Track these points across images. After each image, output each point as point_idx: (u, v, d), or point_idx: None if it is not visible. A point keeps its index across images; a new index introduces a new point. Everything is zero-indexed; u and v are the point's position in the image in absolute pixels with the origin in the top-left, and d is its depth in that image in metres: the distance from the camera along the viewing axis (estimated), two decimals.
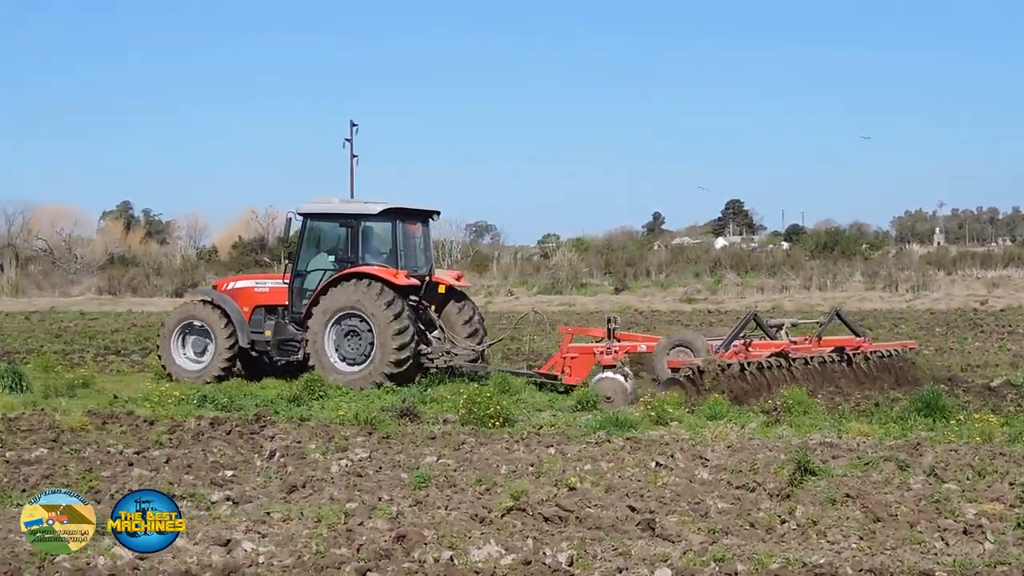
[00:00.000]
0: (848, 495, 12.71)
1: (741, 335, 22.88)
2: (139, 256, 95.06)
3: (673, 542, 10.98)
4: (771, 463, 14.63)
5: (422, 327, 24.81)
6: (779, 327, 24.66)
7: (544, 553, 10.49)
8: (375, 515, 11.92)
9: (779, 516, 11.95)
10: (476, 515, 11.93)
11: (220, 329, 25.16)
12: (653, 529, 11.36)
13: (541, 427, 18.15)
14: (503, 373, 24.20)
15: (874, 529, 11.44)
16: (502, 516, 11.91)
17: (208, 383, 23.90)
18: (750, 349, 22.59)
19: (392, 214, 24.84)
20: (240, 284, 26.29)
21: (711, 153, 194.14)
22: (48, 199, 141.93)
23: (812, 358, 23.25)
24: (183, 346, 25.77)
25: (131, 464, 14.80)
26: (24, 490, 13.24)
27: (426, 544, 10.72)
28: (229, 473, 14.20)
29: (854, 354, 24.22)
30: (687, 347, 22.99)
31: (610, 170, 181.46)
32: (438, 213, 26.73)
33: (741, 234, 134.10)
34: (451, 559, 10.29)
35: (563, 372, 23.22)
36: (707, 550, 10.64)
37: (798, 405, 18.92)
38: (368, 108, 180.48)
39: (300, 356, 24.57)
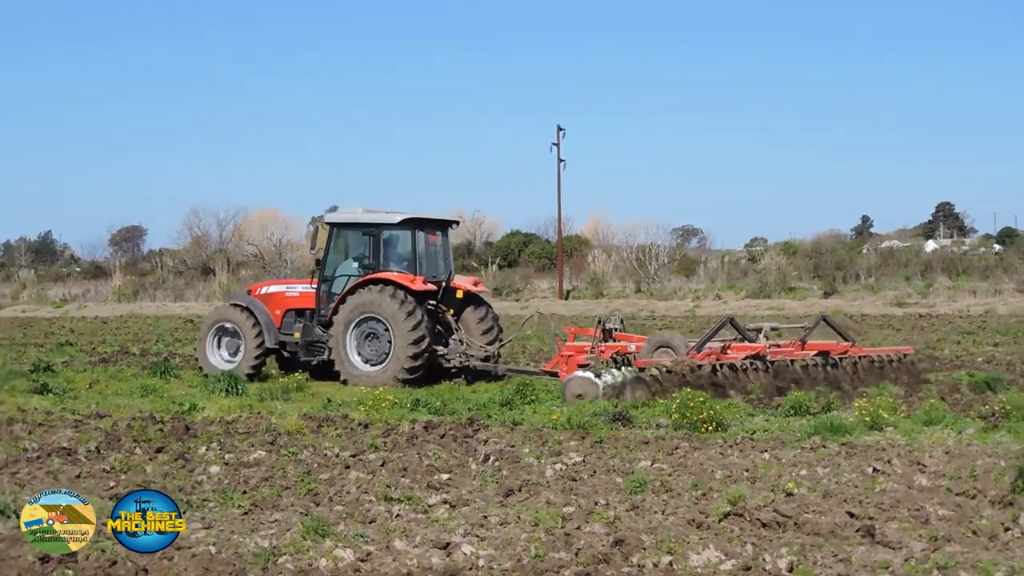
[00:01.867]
0: None
1: (741, 338, 23.77)
2: None
3: (894, 549, 10.80)
4: (991, 469, 14.28)
5: (441, 330, 26.56)
6: (758, 331, 24.88)
7: (763, 559, 10.39)
8: (592, 519, 11.92)
9: (1002, 523, 11.67)
10: (693, 520, 11.87)
11: (249, 331, 26.85)
12: (873, 536, 11.19)
13: (754, 432, 17.98)
14: (514, 374, 25.72)
15: None
16: (719, 521, 11.82)
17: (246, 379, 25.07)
18: (727, 351, 23.05)
19: (411, 223, 26.46)
20: (272, 289, 28.25)
21: (920, 154, 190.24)
22: (259, 204, 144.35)
23: (793, 361, 23.58)
24: (218, 347, 27.55)
25: (348, 467, 15.00)
26: (244, 492, 13.49)
27: (644, 549, 10.68)
28: (445, 476, 14.30)
29: (841, 358, 24.54)
30: (669, 348, 24.23)
31: (817, 173, 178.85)
32: (456, 223, 28.73)
33: (952, 237, 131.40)
34: (670, 564, 10.25)
35: (564, 370, 24.07)
36: (929, 557, 10.43)
37: (1016, 411, 18.49)
38: (575, 112, 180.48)
39: (326, 356, 26.25)
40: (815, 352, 24.52)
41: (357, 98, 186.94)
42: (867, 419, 18.19)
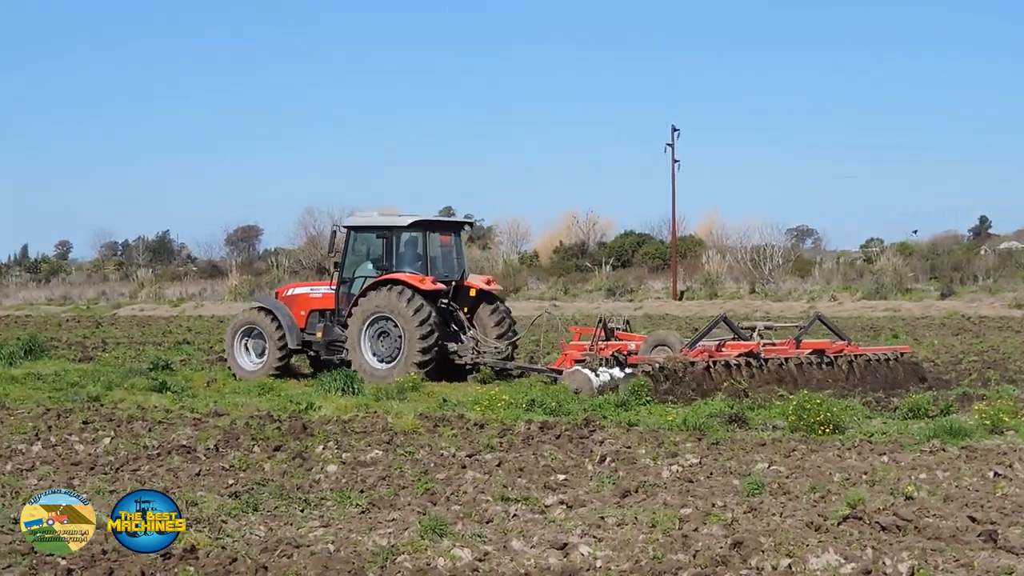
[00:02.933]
0: None
1: (742, 336, 24.73)
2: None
3: (1017, 555, 10.63)
4: None
5: (455, 328, 27.36)
6: (752, 329, 25.62)
7: (884, 563, 10.28)
8: (709, 521, 11.87)
9: None
10: (811, 523, 11.77)
11: (272, 332, 27.62)
12: (995, 541, 11.03)
13: (872, 435, 17.79)
14: (522, 371, 26.92)
15: None
16: (838, 524, 11.72)
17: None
18: (722, 349, 23.76)
19: (422, 226, 27.36)
20: (297, 291, 29.16)
21: None
22: (374, 203, 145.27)
23: (788, 359, 24.04)
24: (245, 349, 28.26)
25: (464, 467, 15.06)
26: (361, 491, 13.58)
27: (763, 551, 10.61)
28: (561, 477, 14.30)
29: (836, 357, 25.02)
30: (666, 346, 24.72)
31: (935, 173, 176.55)
32: (471, 224, 29.46)
33: None
34: (789, 567, 10.18)
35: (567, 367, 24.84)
36: None
37: None
38: (690, 112, 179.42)
39: (345, 355, 27.00)
40: (810, 351, 25.07)
41: (473, 97, 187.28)
42: (987, 423, 17.95)
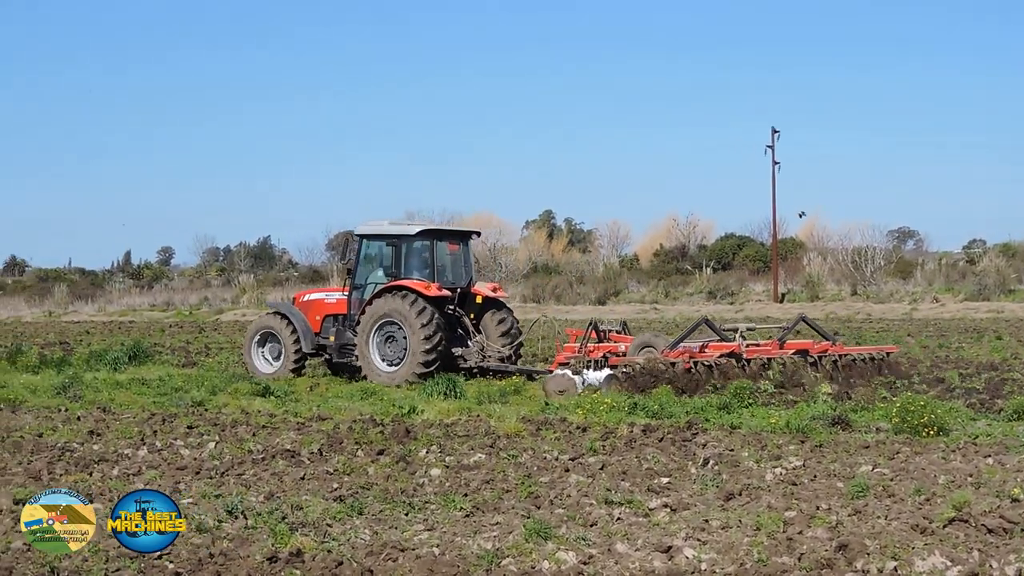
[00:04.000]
0: None
1: (724, 337, 25.54)
2: (562, 264, 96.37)
3: None
4: None
5: (461, 332, 28.38)
6: (734, 331, 26.09)
7: (991, 566, 10.21)
8: (814, 524, 11.81)
9: None
10: (917, 525, 11.69)
11: (287, 336, 28.87)
12: None
13: (977, 436, 17.61)
14: (521, 373, 27.34)
15: None
16: (944, 527, 11.63)
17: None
18: (704, 350, 24.50)
19: (429, 235, 28.50)
20: (313, 296, 30.16)
21: None
22: (473, 208, 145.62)
23: (771, 359, 24.61)
24: (262, 352, 29.55)
25: (567, 470, 15.07)
26: (465, 494, 13.63)
27: (868, 554, 10.55)
28: (664, 480, 14.28)
29: (820, 357, 25.61)
30: (652, 348, 25.54)
31: None
32: (478, 233, 31.22)
33: None
34: (895, 570, 10.12)
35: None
36: None
37: None
38: (790, 114, 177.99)
39: (355, 359, 28.02)
40: (793, 351, 25.77)
41: (572, 100, 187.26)
42: None
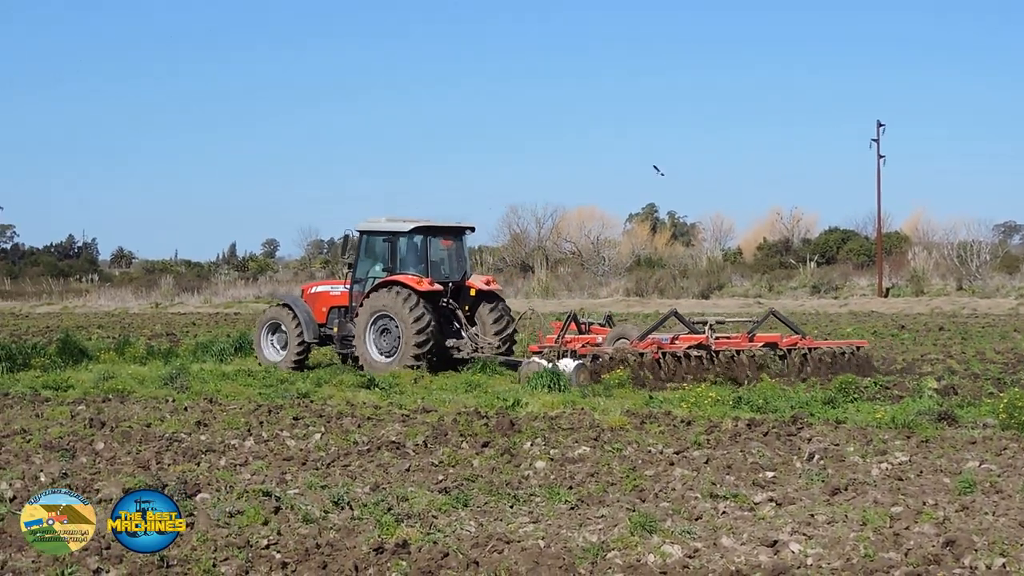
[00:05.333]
0: None
1: (693, 330, 26.75)
2: (665, 258, 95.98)
3: None
4: None
5: (457, 325, 29.41)
6: (704, 323, 26.99)
7: None
8: (921, 519, 11.73)
9: None
10: None
11: (292, 328, 29.85)
12: None
13: None
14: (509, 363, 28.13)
15: None
16: None
17: (291, 369, 29.13)
18: (675, 342, 25.54)
19: (422, 231, 29.39)
20: (320, 289, 31.21)
21: None
22: (577, 202, 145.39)
23: (740, 352, 25.53)
24: (272, 340, 30.58)
25: (672, 464, 15.05)
26: (570, 487, 13.66)
27: (976, 550, 10.47)
28: (770, 474, 14.23)
29: (789, 350, 26.46)
30: (626, 339, 26.70)
31: None
32: (472, 229, 31.32)
33: None
34: (1003, 566, 10.04)
35: None
36: None
37: None
38: (896, 107, 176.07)
39: (354, 349, 29.16)
40: (762, 344, 26.54)
41: (675, 95, 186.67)
42: None
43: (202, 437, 17.17)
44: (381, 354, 28.39)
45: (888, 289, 72.58)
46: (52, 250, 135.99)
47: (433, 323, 28.02)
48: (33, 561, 10.13)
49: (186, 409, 20.34)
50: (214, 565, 10.20)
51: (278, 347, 30.40)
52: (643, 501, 12.88)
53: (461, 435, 17.21)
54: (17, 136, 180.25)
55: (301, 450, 16.06)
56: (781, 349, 26.42)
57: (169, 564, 10.17)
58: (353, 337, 29.02)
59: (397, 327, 27.94)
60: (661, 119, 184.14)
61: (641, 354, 24.30)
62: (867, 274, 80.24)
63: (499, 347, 28.88)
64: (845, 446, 16.25)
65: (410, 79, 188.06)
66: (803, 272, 79.24)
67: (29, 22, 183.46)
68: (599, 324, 29.58)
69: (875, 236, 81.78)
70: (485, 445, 16.38)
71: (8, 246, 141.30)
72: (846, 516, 11.97)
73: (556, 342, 26.94)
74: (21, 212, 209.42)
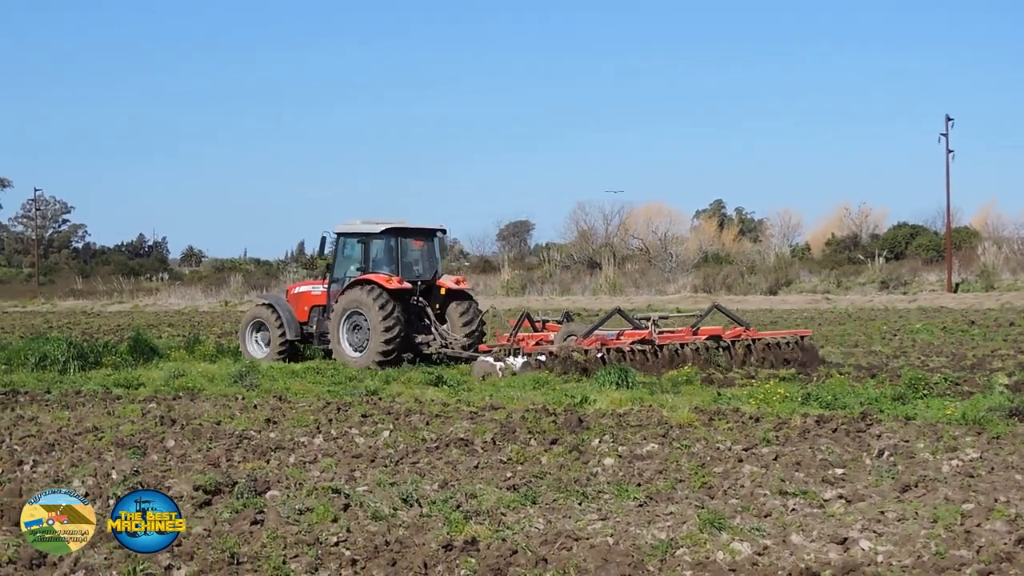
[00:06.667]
0: None
1: (636, 325, 28.10)
2: (732, 254, 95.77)
3: None
4: None
5: (427, 322, 30.60)
6: (647, 319, 28.48)
7: None
8: (993, 517, 11.62)
9: None
10: None
11: (274, 325, 31.52)
12: None
13: None
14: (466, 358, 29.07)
15: None
16: None
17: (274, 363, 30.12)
18: (619, 338, 26.81)
19: (392, 232, 30.63)
20: (302, 289, 32.72)
21: None
22: (644, 199, 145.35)
23: (684, 345, 26.81)
24: (256, 337, 32.17)
25: (741, 460, 14.98)
26: (639, 484, 13.63)
27: None
28: (839, 471, 14.14)
29: (733, 342, 27.73)
30: (575, 336, 27.23)
31: None
32: (443, 231, 32.76)
33: None
34: None
35: None
36: None
37: None
38: (965, 101, 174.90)
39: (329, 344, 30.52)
40: (706, 336, 27.83)
41: (741, 92, 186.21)
42: None
43: (271, 434, 17.28)
44: (353, 349, 29.80)
45: (957, 284, 72.07)
46: (123, 249, 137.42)
47: (401, 319, 29.37)
48: (105, 558, 10.21)
49: (255, 407, 20.47)
50: (284, 562, 10.25)
51: (262, 344, 31.95)
52: (711, 498, 12.84)
53: (529, 432, 17.21)
54: (88, 136, 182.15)
55: (370, 447, 16.12)
56: (725, 341, 27.70)
57: (240, 561, 10.24)
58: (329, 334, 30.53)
59: (367, 323, 29.29)
60: (729, 115, 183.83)
61: (585, 350, 25.49)
62: (936, 269, 79.67)
63: (467, 343, 30.03)
64: (915, 443, 16.12)
65: (480, 74, 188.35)
66: (871, 268, 78.80)
67: (98, 21, 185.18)
68: (555, 322, 30.73)
69: (944, 231, 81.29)
70: (553, 442, 16.37)
71: (80, 245, 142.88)
72: (916, 513, 11.90)
73: (508, 340, 27.79)
74: (92, 212, 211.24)
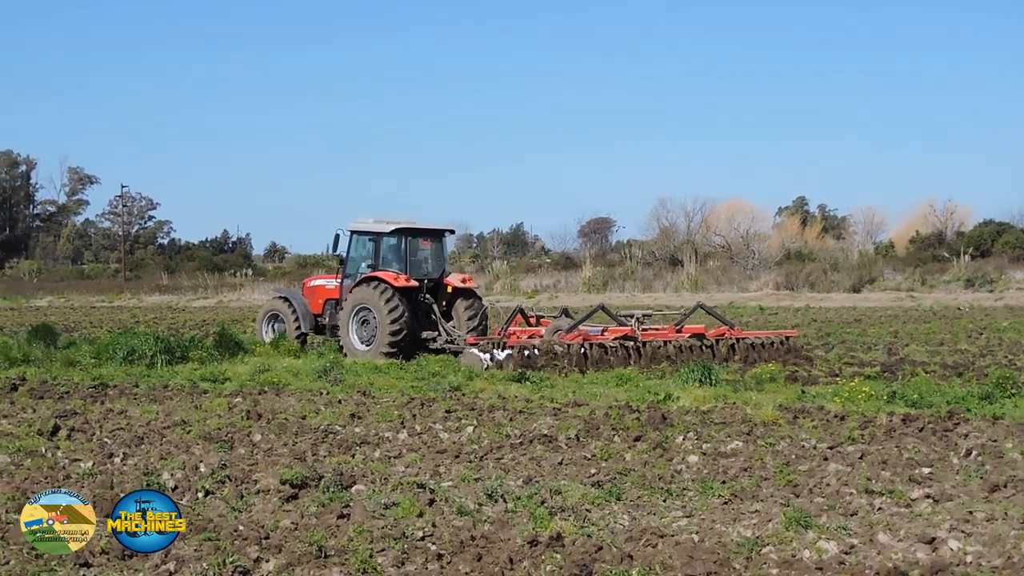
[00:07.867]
0: None
1: (620, 322, 28.55)
2: (815, 251, 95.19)
3: None
4: None
5: (433, 318, 31.66)
6: (630, 316, 29.07)
7: None
8: None
9: None
10: None
11: (289, 317, 33.28)
12: None
13: None
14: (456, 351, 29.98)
15: None
16: None
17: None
18: (604, 334, 27.58)
19: (402, 232, 31.79)
20: (317, 283, 34.27)
21: None
22: (727, 195, 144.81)
23: (667, 342, 27.55)
24: (272, 330, 33.81)
25: (826, 459, 14.90)
26: (723, 481, 13.59)
27: None
28: (926, 470, 14.03)
29: (717, 340, 28.43)
30: (561, 331, 28.17)
31: None
32: (451, 231, 34.32)
33: None
34: None
35: None
36: None
37: None
38: None
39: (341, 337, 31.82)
40: (689, 335, 28.58)
41: (826, 89, 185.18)
42: None
43: (356, 429, 17.35)
44: (361, 342, 30.87)
45: None
46: (207, 245, 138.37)
47: (407, 315, 30.45)
48: (195, 549, 10.31)
49: (340, 402, 20.56)
50: (371, 556, 10.29)
51: (277, 335, 33.16)
52: (797, 496, 12.77)
53: (613, 429, 17.20)
54: (174, 132, 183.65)
55: (454, 443, 16.16)
56: (708, 340, 28.44)
57: (327, 554, 10.29)
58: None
59: (375, 318, 30.34)
60: (810, 112, 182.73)
61: (568, 345, 26.26)
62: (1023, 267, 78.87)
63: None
64: (1003, 442, 15.95)
65: (564, 72, 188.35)
66: (957, 265, 78.08)
67: (185, 16, 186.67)
68: (551, 317, 31.84)
69: None
70: (637, 439, 16.34)
71: (165, 241, 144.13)
72: (1006, 514, 11.78)
73: (499, 334, 28.80)
74: (178, 208, 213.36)
